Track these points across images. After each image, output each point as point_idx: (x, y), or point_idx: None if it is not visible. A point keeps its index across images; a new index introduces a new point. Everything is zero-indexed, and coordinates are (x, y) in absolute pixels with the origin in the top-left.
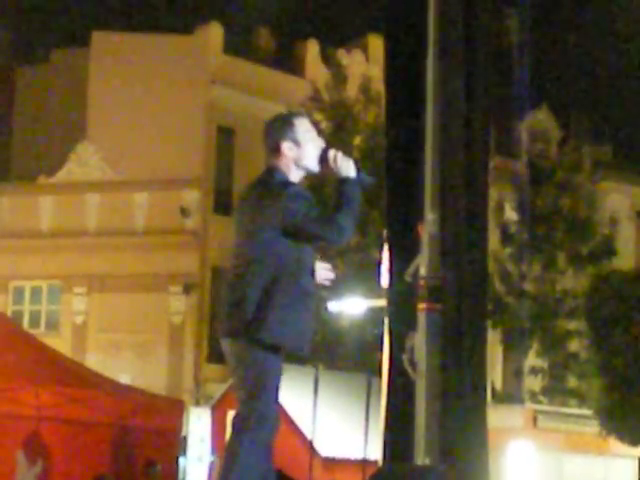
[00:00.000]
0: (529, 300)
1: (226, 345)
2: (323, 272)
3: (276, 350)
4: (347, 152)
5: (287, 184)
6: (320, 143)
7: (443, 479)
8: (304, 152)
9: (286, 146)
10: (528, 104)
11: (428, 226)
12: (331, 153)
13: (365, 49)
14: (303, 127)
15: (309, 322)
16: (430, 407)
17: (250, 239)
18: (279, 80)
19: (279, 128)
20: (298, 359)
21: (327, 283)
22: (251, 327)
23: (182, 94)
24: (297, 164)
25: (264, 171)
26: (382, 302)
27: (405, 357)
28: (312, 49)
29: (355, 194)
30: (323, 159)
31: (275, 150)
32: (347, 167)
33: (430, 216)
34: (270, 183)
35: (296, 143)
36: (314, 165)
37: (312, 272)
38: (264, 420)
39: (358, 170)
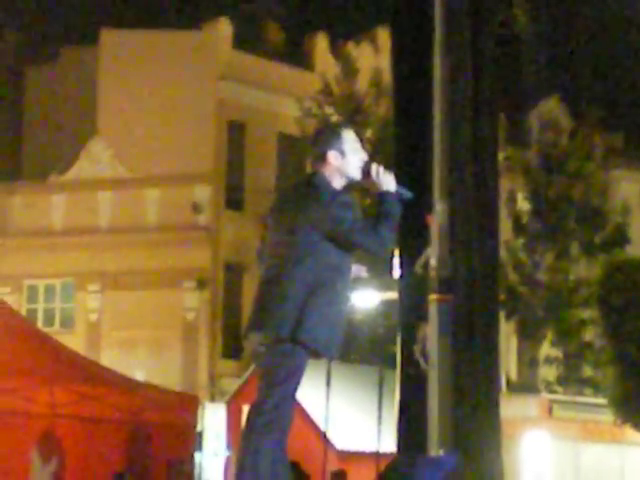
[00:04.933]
0: (543, 290)
1: (255, 336)
2: (356, 268)
3: (309, 351)
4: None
5: (336, 192)
6: (363, 156)
7: (457, 470)
8: (348, 162)
9: (332, 155)
10: (539, 93)
11: (437, 217)
12: (373, 166)
13: (374, 41)
14: (349, 139)
15: (342, 328)
16: (443, 398)
17: (291, 239)
18: (289, 74)
19: (327, 138)
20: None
21: (364, 274)
22: (292, 328)
23: (192, 90)
24: (340, 173)
25: (309, 175)
26: (395, 295)
27: (417, 348)
28: (321, 42)
29: (395, 208)
30: (365, 171)
31: (321, 158)
32: (388, 181)
33: (439, 207)
34: (317, 187)
35: (342, 153)
36: (356, 175)
37: (349, 279)
38: (279, 407)
39: (398, 184)
